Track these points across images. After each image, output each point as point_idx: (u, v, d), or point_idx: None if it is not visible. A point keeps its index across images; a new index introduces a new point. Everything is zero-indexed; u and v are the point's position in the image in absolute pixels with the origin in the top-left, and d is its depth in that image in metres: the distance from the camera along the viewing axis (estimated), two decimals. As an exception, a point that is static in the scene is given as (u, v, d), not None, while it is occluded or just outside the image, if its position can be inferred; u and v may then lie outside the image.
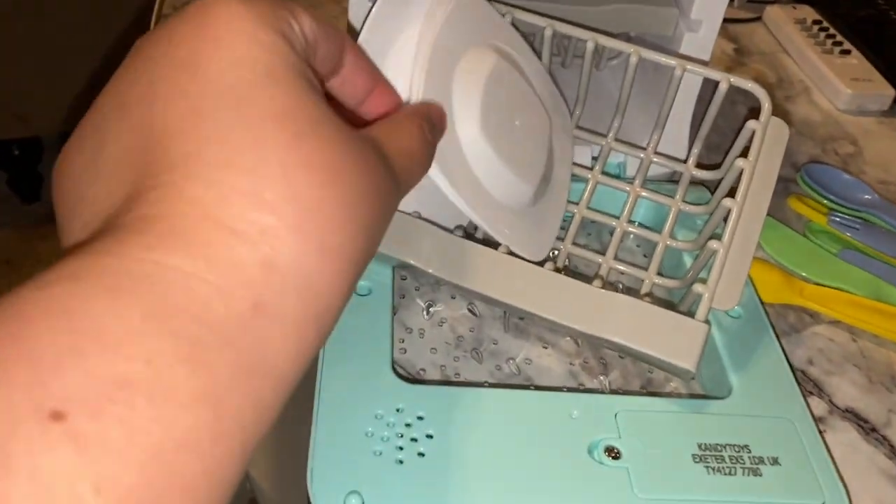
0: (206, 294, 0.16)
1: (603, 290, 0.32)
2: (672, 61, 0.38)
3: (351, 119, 0.24)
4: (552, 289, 0.32)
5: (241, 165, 0.17)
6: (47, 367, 0.14)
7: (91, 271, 0.15)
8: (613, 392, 0.34)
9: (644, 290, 0.36)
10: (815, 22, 0.64)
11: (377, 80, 0.26)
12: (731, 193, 0.35)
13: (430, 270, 0.33)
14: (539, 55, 0.40)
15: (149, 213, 0.17)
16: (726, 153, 0.39)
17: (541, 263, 0.34)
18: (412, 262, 0.33)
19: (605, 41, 0.38)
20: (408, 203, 0.34)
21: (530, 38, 0.45)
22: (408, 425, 0.29)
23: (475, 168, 0.32)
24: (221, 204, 0.17)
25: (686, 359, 0.30)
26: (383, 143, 0.22)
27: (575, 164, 0.41)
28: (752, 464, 0.30)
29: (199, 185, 0.17)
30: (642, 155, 0.41)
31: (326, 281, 0.18)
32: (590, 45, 0.39)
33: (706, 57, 0.42)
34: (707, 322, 0.31)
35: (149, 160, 0.18)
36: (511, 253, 0.34)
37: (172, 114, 0.18)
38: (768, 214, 0.45)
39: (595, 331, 0.31)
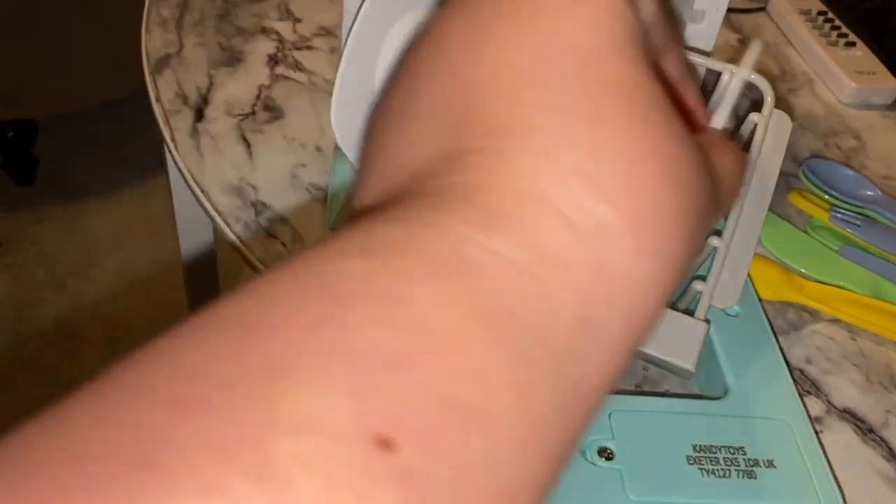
0: (535, 295, 0.13)
1: None
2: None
3: None
4: None
5: (585, 143, 0.14)
6: (373, 373, 0.11)
7: (410, 245, 0.13)
8: (608, 390, 0.34)
9: None
10: (821, 13, 0.63)
11: (684, 79, 0.23)
12: None
13: None
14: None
15: (469, 180, 0.14)
16: (727, 147, 0.38)
17: None
18: None
19: None
20: None
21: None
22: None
23: None
24: (557, 184, 0.14)
25: (685, 358, 0.30)
26: (713, 156, 0.19)
27: None
28: (747, 466, 0.29)
29: (531, 157, 0.14)
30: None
31: (652, 299, 0.15)
32: None
33: (709, 48, 0.41)
34: (707, 320, 0.31)
35: (470, 116, 0.15)
36: None
37: (504, 67, 0.15)
38: (769, 210, 0.45)
39: None
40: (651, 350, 0.30)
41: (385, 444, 0.10)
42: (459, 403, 0.11)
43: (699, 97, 0.24)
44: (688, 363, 0.30)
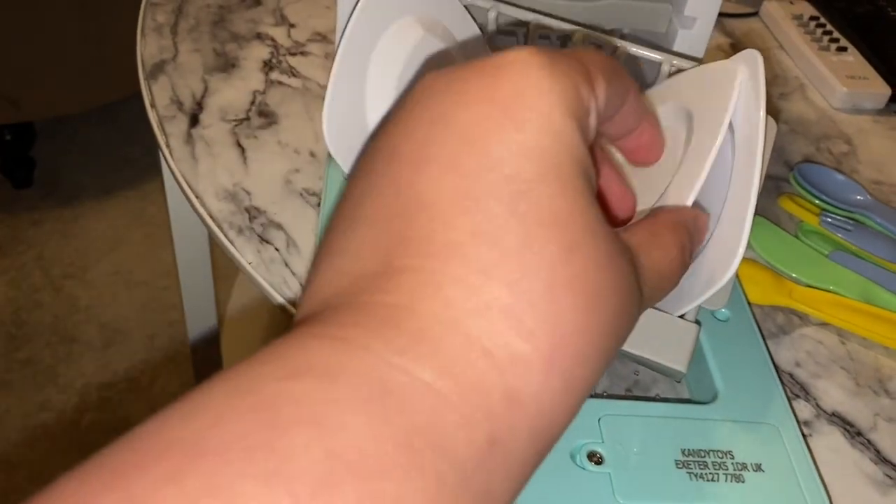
0: (453, 423, 0.14)
1: None
2: (658, 56, 0.37)
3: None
4: None
5: (507, 276, 0.15)
6: (306, 497, 0.12)
7: (344, 370, 0.14)
8: (597, 395, 0.34)
9: None
10: (812, 18, 0.63)
11: (643, 117, 0.24)
12: None
13: None
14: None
15: (400, 301, 0.15)
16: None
17: None
18: None
19: (592, 36, 0.38)
20: None
21: (519, 31, 0.44)
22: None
23: None
24: (477, 316, 0.15)
25: (677, 360, 0.30)
26: (639, 255, 0.20)
27: None
28: (735, 470, 0.30)
29: (455, 285, 0.15)
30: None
31: (559, 420, 0.16)
32: (577, 39, 0.38)
33: (700, 54, 0.42)
34: (697, 322, 0.31)
35: (406, 232, 0.16)
36: None
37: (441, 188, 0.16)
38: (759, 214, 0.45)
39: None
40: (643, 352, 0.30)
41: None
42: None
43: (654, 123, 0.24)
44: (680, 365, 0.30)
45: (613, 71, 0.19)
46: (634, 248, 0.20)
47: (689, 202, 0.29)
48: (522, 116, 0.16)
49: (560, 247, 0.16)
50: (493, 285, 0.15)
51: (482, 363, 0.15)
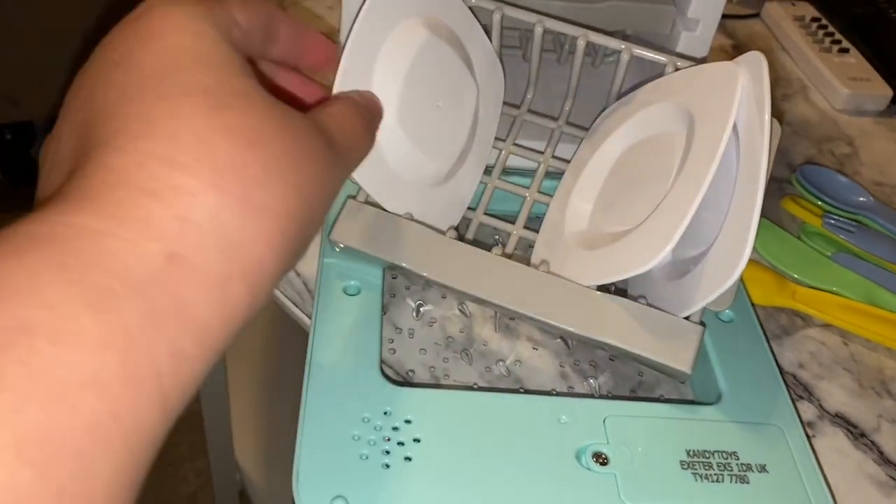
0: (116, 247, 0.17)
1: (597, 292, 0.32)
2: (663, 58, 0.37)
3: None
4: (545, 290, 0.32)
5: (159, 134, 0.18)
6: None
7: (4, 238, 0.17)
8: (602, 396, 0.34)
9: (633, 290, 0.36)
10: (814, 19, 0.63)
11: (300, 33, 0.27)
12: None
13: (423, 273, 0.32)
14: (532, 54, 0.40)
15: (76, 184, 0.18)
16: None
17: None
18: (404, 265, 0.33)
19: (595, 38, 0.38)
20: (400, 204, 0.34)
21: (525, 34, 0.44)
22: (395, 429, 0.29)
23: (387, 152, 0.32)
24: (137, 169, 0.18)
25: (681, 361, 0.30)
26: (322, 121, 0.23)
27: (559, 157, 0.40)
28: (739, 471, 0.30)
29: (119, 155, 0.18)
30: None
31: (251, 237, 0.19)
32: (580, 43, 0.38)
33: (703, 56, 0.42)
34: (702, 323, 0.31)
35: (87, 139, 0.19)
36: (506, 255, 0.34)
37: (105, 100, 0.20)
38: (762, 216, 0.45)
39: (589, 333, 0.31)
40: (648, 354, 0.30)
41: None
42: (31, 324, 0.15)
43: (316, 35, 0.27)
44: (684, 367, 0.30)
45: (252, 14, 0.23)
46: (315, 116, 0.23)
47: (696, 204, 0.29)
48: (163, 31, 0.20)
49: (208, 107, 0.19)
50: (148, 143, 0.18)
51: (144, 200, 0.17)
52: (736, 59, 0.32)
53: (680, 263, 0.33)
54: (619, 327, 0.31)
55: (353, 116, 0.26)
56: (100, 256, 0.16)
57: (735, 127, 0.32)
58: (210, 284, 0.18)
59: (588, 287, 0.32)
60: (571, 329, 0.31)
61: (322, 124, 0.23)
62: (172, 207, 0.18)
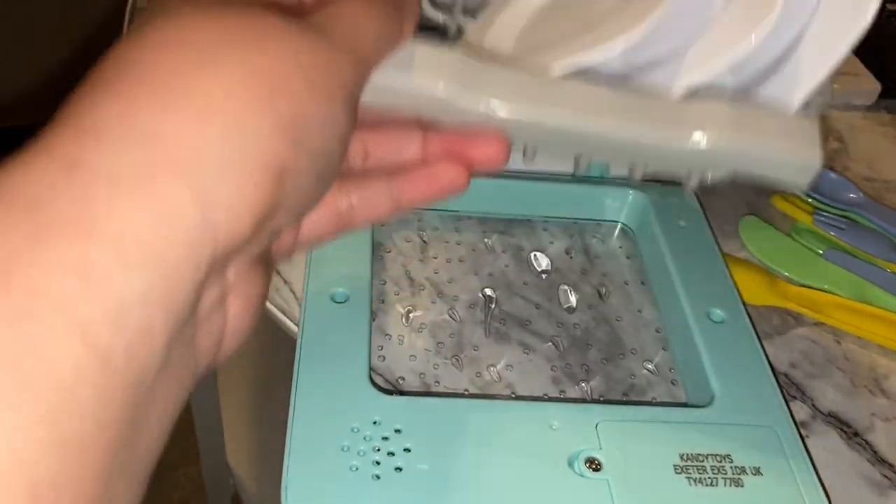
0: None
1: (687, 101, 0.26)
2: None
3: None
4: (642, 104, 0.26)
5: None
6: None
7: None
8: (595, 401, 0.34)
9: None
10: (802, 14, 0.63)
11: None
12: None
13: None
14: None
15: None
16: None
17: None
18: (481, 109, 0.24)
19: None
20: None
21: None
22: (385, 439, 0.29)
23: None
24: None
25: (808, 153, 0.25)
26: (333, 19, 0.21)
27: None
28: (734, 474, 0.29)
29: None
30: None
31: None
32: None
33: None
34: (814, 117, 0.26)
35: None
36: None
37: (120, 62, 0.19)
38: (752, 213, 0.45)
39: (691, 142, 0.25)
40: (772, 150, 0.25)
41: None
42: None
43: None
44: (814, 157, 0.25)
45: None
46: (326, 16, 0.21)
47: None
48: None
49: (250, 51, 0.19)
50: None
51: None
52: None
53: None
54: (727, 129, 0.25)
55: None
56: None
57: None
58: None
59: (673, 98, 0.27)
60: (699, 138, 0.25)
61: (333, 25, 0.21)
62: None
